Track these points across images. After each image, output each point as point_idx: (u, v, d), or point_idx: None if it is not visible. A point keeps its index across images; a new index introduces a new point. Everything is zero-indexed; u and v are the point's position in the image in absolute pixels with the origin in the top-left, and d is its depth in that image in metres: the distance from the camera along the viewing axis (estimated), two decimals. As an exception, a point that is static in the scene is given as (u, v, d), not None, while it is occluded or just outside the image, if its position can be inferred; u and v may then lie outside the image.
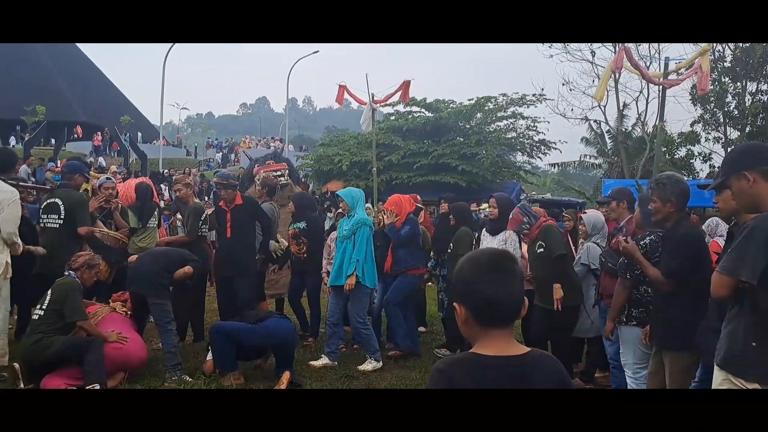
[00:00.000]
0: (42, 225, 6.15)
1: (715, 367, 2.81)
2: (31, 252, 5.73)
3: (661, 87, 7.53)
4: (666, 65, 7.37)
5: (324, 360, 6.33)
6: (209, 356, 5.81)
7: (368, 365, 6.26)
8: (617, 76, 19.69)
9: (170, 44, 34.35)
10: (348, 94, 11.76)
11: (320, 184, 20.82)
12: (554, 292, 5.40)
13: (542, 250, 5.61)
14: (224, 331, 5.60)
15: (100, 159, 34.17)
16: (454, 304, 1.77)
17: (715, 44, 18.60)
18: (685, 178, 4.23)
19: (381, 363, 6.31)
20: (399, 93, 11.89)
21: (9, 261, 5.27)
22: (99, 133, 39.01)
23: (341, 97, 11.70)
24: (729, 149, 18.07)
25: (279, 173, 8.80)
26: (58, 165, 23.50)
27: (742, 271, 2.60)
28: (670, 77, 7.32)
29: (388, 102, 23.23)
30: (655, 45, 19.98)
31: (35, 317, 5.14)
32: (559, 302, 5.41)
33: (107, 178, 7.27)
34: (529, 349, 1.76)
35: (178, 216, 7.85)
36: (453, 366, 1.72)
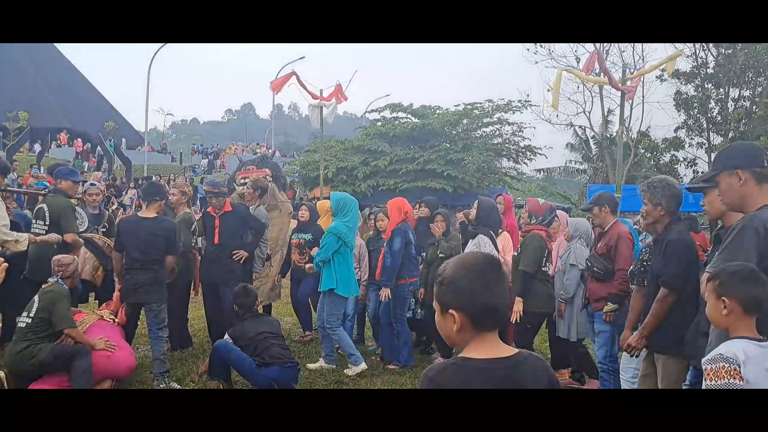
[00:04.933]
0: (33, 231, 6.12)
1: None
2: (45, 241, 5.72)
3: (621, 93, 7.59)
4: (624, 72, 7.46)
5: (321, 363, 6.37)
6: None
7: (320, 363, 6.37)
8: (600, 88, 19.89)
9: (154, 51, 34.19)
10: (298, 82, 11.56)
11: (307, 190, 20.80)
12: (515, 304, 5.61)
13: (516, 254, 5.83)
14: (227, 358, 5.47)
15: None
16: (450, 311, 1.73)
17: (697, 53, 18.88)
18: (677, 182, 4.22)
19: (335, 366, 6.38)
20: (335, 96, 11.72)
21: None
22: (80, 138, 38.68)
23: (282, 83, 11.48)
24: (717, 151, 18.30)
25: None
26: (41, 171, 23.34)
27: None
28: (629, 83, 7.41)
29: (373, 108, 23.38)
30: (639, 51, 20.25)
31: (22, 324, 5.07)
32: (518, 315, 5.60)
33: (92, 184, 7.21)
34: (517, 350, 1.77)
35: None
36: (442, 373, 1.71)
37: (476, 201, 6.54)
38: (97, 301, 6.87)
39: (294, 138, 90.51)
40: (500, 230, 6.77)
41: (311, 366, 6.31)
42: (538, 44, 20.63)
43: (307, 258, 7.37)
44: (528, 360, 1.76)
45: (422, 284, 6.87)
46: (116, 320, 5.90)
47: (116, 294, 6.13)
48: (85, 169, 33.96)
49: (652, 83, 19.54)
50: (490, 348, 1.73)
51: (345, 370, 6.27)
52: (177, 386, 5.61)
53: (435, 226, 6.89)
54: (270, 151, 45.60)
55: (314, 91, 11.69)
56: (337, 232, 6.32)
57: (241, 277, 6.77)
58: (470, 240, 6.29)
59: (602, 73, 7.39)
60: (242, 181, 8.19)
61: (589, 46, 20.26)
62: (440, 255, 6.69)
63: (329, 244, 6.31)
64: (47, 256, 5.59)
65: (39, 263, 5.79)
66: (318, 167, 19.64)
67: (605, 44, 20.16)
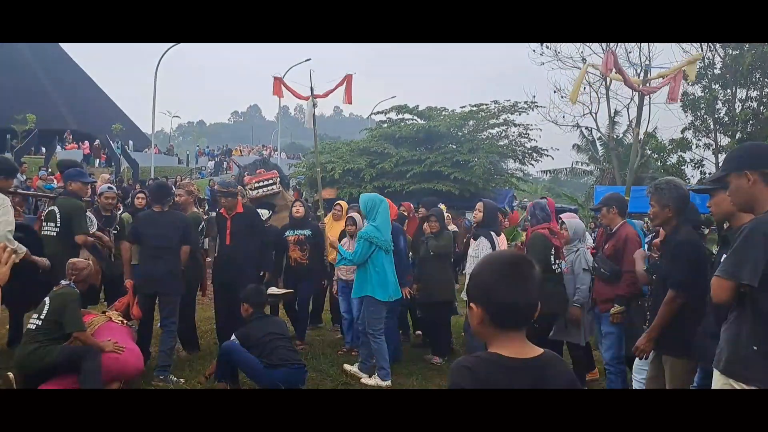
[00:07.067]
0: (44, 233, 6.15)
1: (716, 372, 2.80)
2: (34, 262, 5.70)
3: (639, 93, 7.59)
4: (646, 72, 7.43)
5: (355, 368, 6.31)
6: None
7: (371, 380, 6.09)
8: (608, 83, 19.84)
9: (161, 53, 34.23)
10: (285, 87, 11.54)
11: (313, 191, 20.81)
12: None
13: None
14: (234, 359, 5.47)
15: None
16: (471, 304, 1.78)
17: (705, 53, 18.81)
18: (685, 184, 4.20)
19: (388, 382, 6.04)
20: (339, 88, 11.57)
21: None
22: (87, 141, 38.78)
23: (278, 89, 11.46)
24: (726, 152, 18.30)
25: (270, 182, 8.87)
26: (48, 173, 23.43)
27: (743, 273, 2.60)
28: (649, 84, 7.39)
29: (380, 110, 23.38)
30: (646, 52, 20.19)
31: (32, 326, 5.08)
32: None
33: (109, 187, 7.28)
34: (542, 350, 1.79)
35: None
36: (480, 365, 1.72)
37: (481, 203, 6.54)
38: (106, 302, 6.89)
39: (300, 140, 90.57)
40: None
41: (349, 368, 6.29)
42: (545, 45, 20.59)
43: (308, 254, 7.34)
44: (552, 361, 1.79)
45: (416, 280, 6.92)
46: (125, 321, 5.91)
47: (128, 284, 6.17)
48: (96, 165, 34.11)
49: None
50: (518, 347, 1.75)
51: (363, 380, 6.08)
52: (174, 379, 5.80)
53: (428, 225, 6.98)
54: (267, 151, 45.60)
55: (301, 92, 11.60)
56: (369, 237, 6.07)
57: (252, 278, 6.79)
58: (474, 241, 6.33)
59: (618, 73, 7.40)
60: (256, 184, 8.41)
61: (596, 47, 20.27)
62: (431, 253, 6.82)
63: (362, 251, 6.06)
64: (60, 257, 5.61)
65: (50, 267, 5.80)
66: (324, 168, 19.66)
67: (612, 44, 20.13)
